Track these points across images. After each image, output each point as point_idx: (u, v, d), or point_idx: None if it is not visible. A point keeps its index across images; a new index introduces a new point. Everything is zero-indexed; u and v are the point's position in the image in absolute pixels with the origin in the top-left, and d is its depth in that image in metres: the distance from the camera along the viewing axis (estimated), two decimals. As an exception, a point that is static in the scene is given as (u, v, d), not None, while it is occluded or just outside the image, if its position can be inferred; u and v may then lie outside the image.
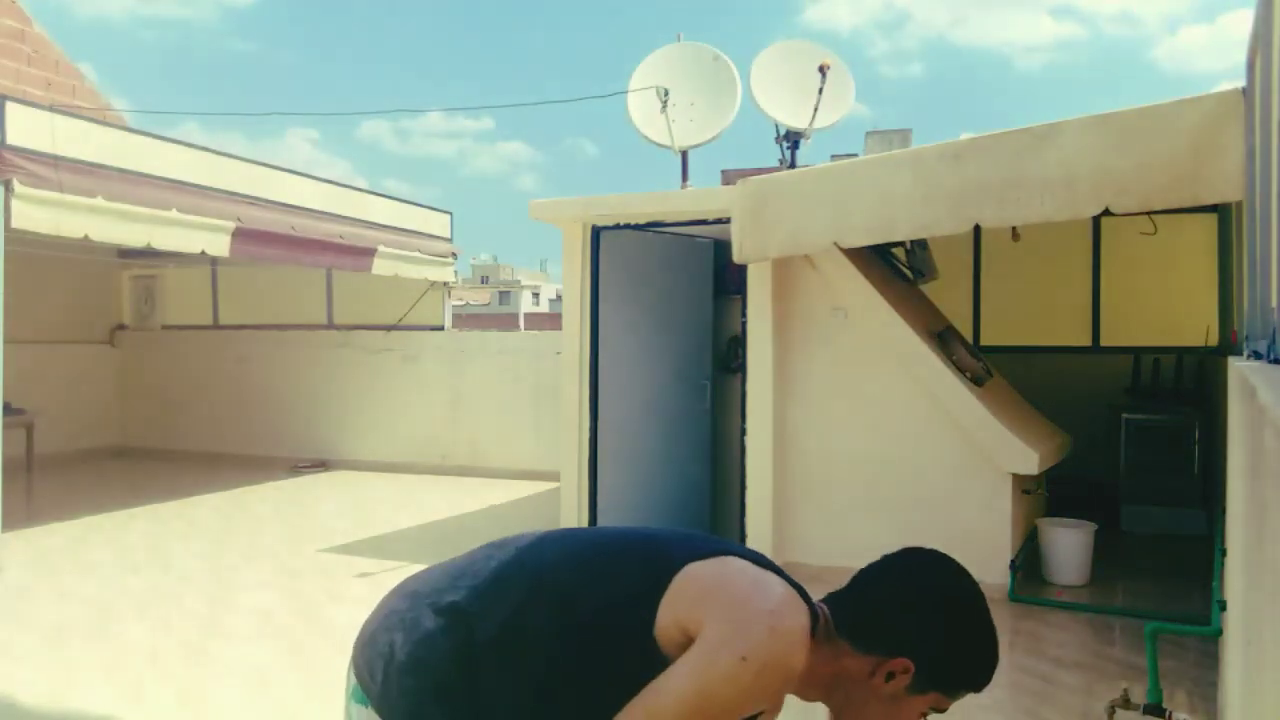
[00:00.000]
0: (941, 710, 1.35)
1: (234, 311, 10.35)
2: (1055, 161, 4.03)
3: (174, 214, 6.14)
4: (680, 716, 1.18)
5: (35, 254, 7.21)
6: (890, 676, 1.30)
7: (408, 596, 1.39)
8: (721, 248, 5.89)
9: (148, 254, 8.46)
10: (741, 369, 5.60)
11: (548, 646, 1.27)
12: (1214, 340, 6.85)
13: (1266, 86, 2.30)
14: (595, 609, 1.28)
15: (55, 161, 5.38)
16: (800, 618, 1.25)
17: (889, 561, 1.40)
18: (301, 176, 7.69)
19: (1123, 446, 6.44)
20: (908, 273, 5.86)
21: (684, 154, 6.10)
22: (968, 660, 1.35)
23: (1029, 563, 5.19)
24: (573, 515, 5.79)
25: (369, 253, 8.13)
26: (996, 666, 1.37)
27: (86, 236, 5.61)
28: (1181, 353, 7.02)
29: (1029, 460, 4.81)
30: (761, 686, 1.20)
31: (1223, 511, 4.08)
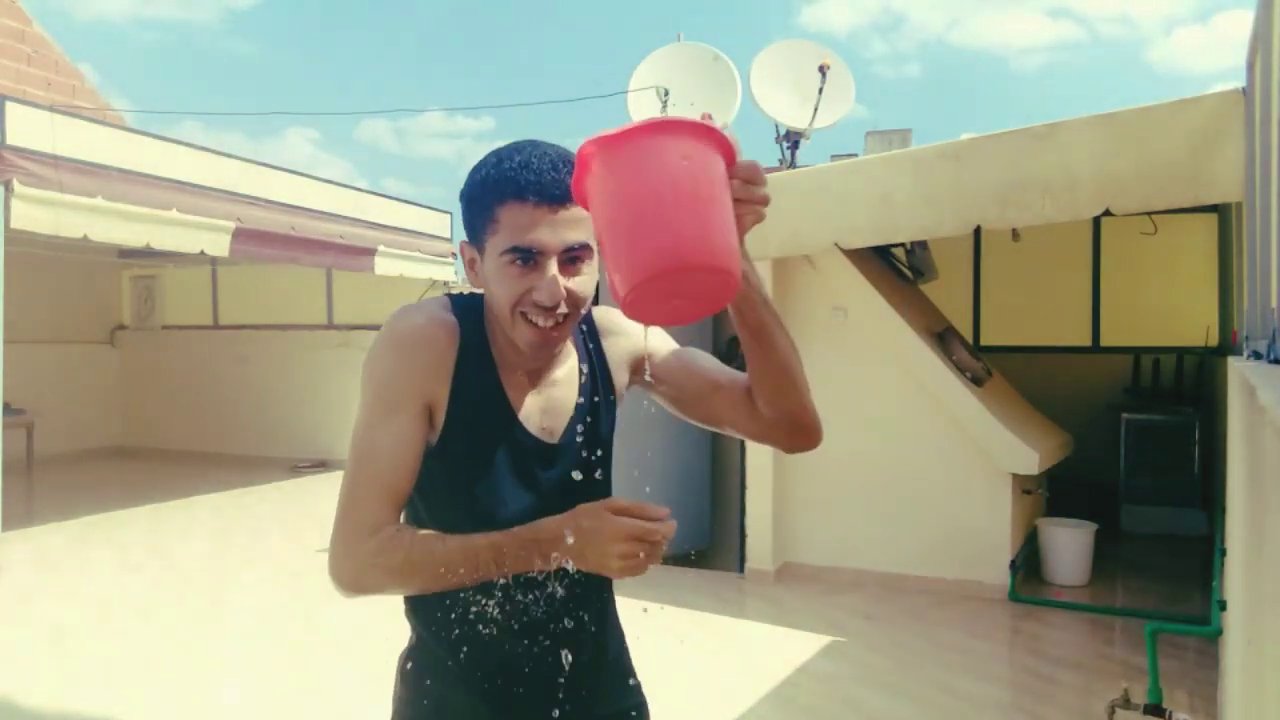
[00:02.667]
0: (519, 253, 1.11)
1: (234, 311, 10.34)
2: (1055, 162, 4.03)
3: (174, 214, 6.14)
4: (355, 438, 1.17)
5: (35, 254, 7.22)
6: (469, 265, 1.21)
7: None
8: (721, 248, 5.87)
9: (148, 254, 8.46)
10: (742, 369, 5.60)
11: None
12: (1214, 340, 6.85)
13: (1266, 86, 2.30)
14: None
15: (55, 161, 5.38)
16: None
17: None
18: (301, 176, 7.69)
19: (1123, 446, 6.44)
20: (908, 273, 5.86)
21: (684, 154, 6.10)
22: (470, 177, 1.17)
23: (1029, 563, 5.20)
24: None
25: (369, 252, 8.13)
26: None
27: (86, 236, 5.61)
28: (1181, 353, 7.03)
29: (1029, 460, 4.81)
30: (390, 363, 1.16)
31: (1223, 511, 4.09)
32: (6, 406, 5.88)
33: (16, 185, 5.12)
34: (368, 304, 9.60)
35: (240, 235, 6.68)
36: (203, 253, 6.60)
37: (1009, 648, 4.30)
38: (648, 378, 1.30)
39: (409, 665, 1.28)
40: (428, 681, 1.24)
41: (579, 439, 1.23)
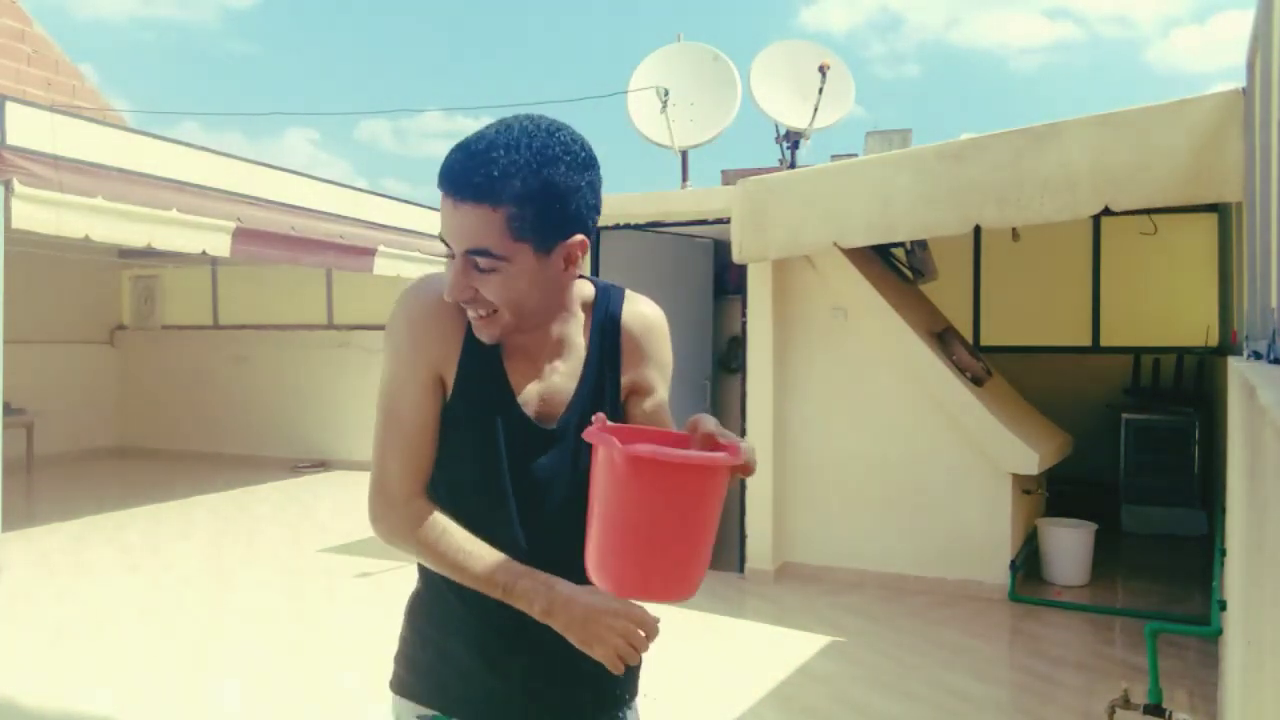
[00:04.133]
0: (443, 244, 1.13)
1: (234, 311, 10.34)
2: (1055, 161, 4.03)
3: (174, 214, 6.13)
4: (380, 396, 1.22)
5: (35, 254, 7.22)
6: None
7: None
8: (721, 248, 5.89)
9: (148, 254, 8.46)
10: (741, 369, 5.60)
11: None
12: (1214, 340, 6.85)
13: (1266, 86, 2.30)
14: None
15: (55, 161, 5.37)
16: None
17: None
18: (301, 176, 7.68)
19: (1123, 446, 6.44)
20: (908, 273, 5.86)
21: (684, 154, 6.11)
22: None
23: (1029, 563, 5.20)
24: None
25: (369, 252, 8.12)
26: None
27: (87, 236, 5.61)
28: (1181, 353, 7.03)
29: (1029, 460, 4.81)
30: (406, 330, 1.20)
31: (1223, 511, 4.09)
32: (6, 406, 5.88)
33: (16, 185, 5.12)
34: (368, 304, 9.59)
35: (240, 235, 6.67)
36: (203, 253, 6.59)
37: (1009, 648, 4.30)
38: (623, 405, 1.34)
39: (417, 609, 1.31)
40: (431, 630, 1.28)
41: (574, 427, 1.23)
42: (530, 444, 1.22)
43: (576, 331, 1.27)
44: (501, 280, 1.11)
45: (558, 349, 1.25)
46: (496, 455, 1.21)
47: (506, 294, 1.13)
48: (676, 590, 1.05)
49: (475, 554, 1.15)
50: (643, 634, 1.11)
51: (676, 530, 1.02)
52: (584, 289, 1.29)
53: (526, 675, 1.24)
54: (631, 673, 1.36)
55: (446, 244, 1.12)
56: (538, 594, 1.13)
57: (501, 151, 1.06)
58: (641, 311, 1.33)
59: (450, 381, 1.20)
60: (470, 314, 1.15)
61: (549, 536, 1.22)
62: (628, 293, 1.34)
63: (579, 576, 1.13)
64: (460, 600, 1.22)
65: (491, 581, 1.14)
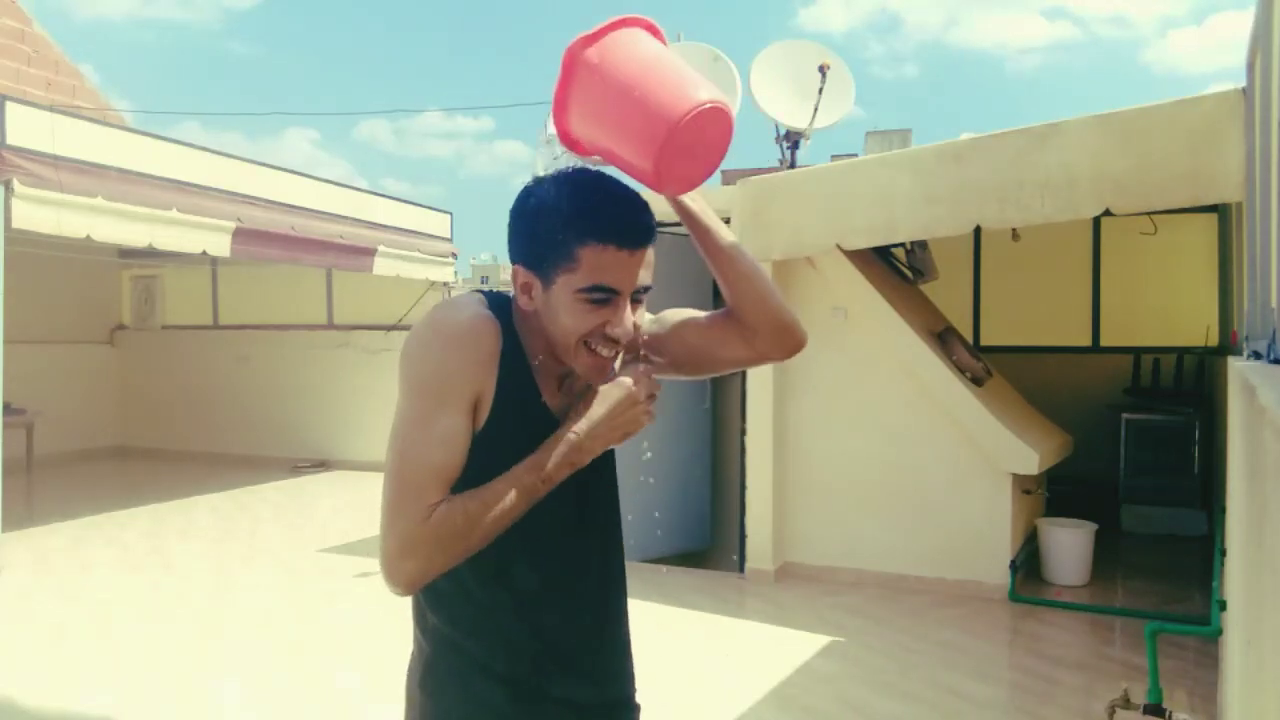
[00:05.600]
0: (600, 292, 1.14)
1: (234, 311, 10.34)
2: (1055, 162, 4.03)
3: (175, 214, 6.14)
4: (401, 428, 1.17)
5: (36, 254, 7.22)
6: (524, 289, 1.21)
7: None
8: (721, 248, 5.87)
9: (148, 254, 8.46)
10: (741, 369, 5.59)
11: None
12: (1214, 340, 6.85)
13: (1266, 86, 2.30)
14: None
15: (55, 161, 5.38)
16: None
17: None
18: (301, 176, 7.69)
19: (1123, 446, 6.44)
20: (908, 273, 5.86)
21: (684, 154, 6.09)
22: (538, 206, 1.18)
23: (1029, 563, 5.20)
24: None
25: (369, 253, 8.12)
26: (607, 200, 1.16)
27: (88, 236, 5.62)
28: (1181, 353, 7.03)
29: (1029, 460, 4.81)
30: (436, 355, 1.17)
31: (1223, 511, 4.09)
32: (6, 406, 5.88)
33: (17, 185, 5.12)
34: (368, 304, 9.59)
35: (240, 235, 6.68)
36: (203, 253, 6.60)
37: (1009, 648, 4.30)
38: (649, 357, 1.33)
39: (431, 676, 1.25)
40: (454, 691, 1.23)
41: (600, 460, 1.27)
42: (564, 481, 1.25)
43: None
44: (642, 310, 1.23)
45: (576, 391, 1.29)
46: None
47: (640, 322, 1.23)
48: (703, 90, 1.14)
49: (496, 482, 1.13)
50: (641, 395, 1.19)
51: (641, 69, 1.16)
52: None
53: (566, 700, 1.26)
54: (629, 679, 1.38)
55: (606, 290, 1.15)
56: (569, 449, 1.16)
57: (642, 203, 1.19)
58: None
59: (488, 404, 1.17)
60: (606, 353, 1.19)
61: (581, 546, 1.27)
62: None
63: (606, 583, 1.27)
64: (478, 642, 1.22)
65: (522, 481, 1.14)
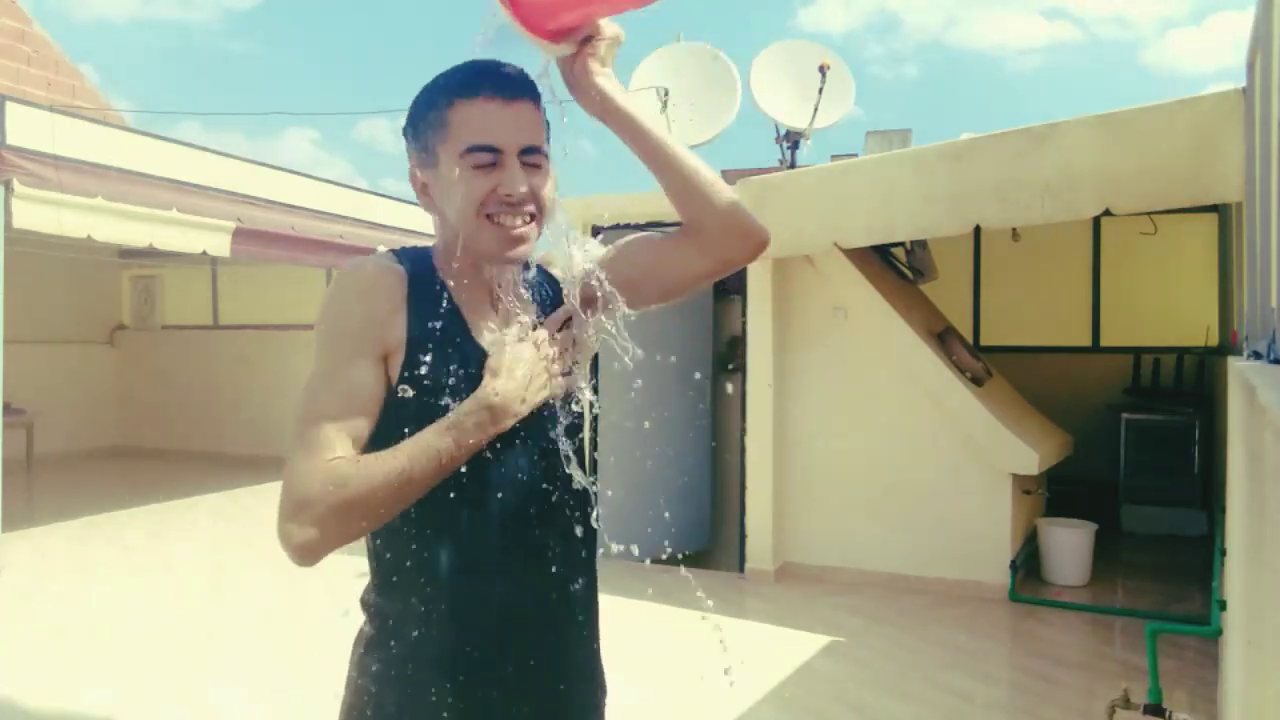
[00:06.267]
0: (480, 152, 1.09)
1: (234, 311, 10.34)
2: (1055, 162, 4.03)
3: (175, 214, 6.14)
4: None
5: (36, 254, 7.22)
6: (422, 190, 1.17)
7: None
8: (721, 248, 5.87)
9: (148, 254, 8.47)
10: (741, 369, 5.60)
11: None
12: (1214, 340, 6.85)
13: (1266, 86, 2.30)
14: None
15: (56, 161, 5.38)
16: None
17: None
18: (301, 176, 7.69)
19: (1123, 446, 6.44)
20: (908, 273, 5.86)
21: (684, 154, 6.09)
22: (416, 98, 1.14)
23: (1029, 563, 5.20)
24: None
25: (369, 253, 8.13)
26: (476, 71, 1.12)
27: (89, 236, 5.62)
28: (1181, 353, 7.02)
29: (1029, 460, 4.81)
30: (338, 311, 1.13)
31: (1223, 511, 4.09)
32: (6, 406, 5.88)
33: (17, 185, 5.12)
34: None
35: (240, 235, 6.68)
36: (203, 253, 6.60)
37: (1009, 648, 4.30)
38: (606, 287, 1.22)
39: (370, 652, 1.22)
40: (393, 672, 1.18)
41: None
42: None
43: (519, 282, 1.22)
44: (544, 179, 1.14)
45: (514, 298, 1.19)
46: None
47: (550, 196, 1.14)
48: None
49: (405, 443, 1.04)
50: (545, 350, 1.12)
51: None
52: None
53: (508, 701, 1.16)
54: (598, 673, 1.30)
55: (484, 149, 1.09)
56: (482, 410, 1.06)
57: (512, 66, 1.13)
58: (546, 254, 1.31)
59: (400, 356, 1.11)
60: (509, 222, 1.11)
61: (523, 507, 1.15)
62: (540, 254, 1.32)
63: (560, 552, 1.16)
64: (428, 625, 1.13)
65: (444, 452, 1.04)
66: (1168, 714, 2.95)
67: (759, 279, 5.37)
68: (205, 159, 6.66)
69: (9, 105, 5.25)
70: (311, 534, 1.05)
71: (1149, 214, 6.20)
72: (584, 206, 5.84)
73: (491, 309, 1.19)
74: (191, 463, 9.74)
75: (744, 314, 5.51)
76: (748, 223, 1.26)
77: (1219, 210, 6.51)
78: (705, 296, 6.41)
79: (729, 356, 6.41)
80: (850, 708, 3.48)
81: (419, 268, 1.16)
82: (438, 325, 1.12)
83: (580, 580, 1.22)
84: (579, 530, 1.22)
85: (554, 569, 1.18)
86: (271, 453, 9.67)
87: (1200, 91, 3.85)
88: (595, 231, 5.81)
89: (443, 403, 1.09)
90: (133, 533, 6.45)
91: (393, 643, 1.17)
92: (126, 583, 5.22)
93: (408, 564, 1.15)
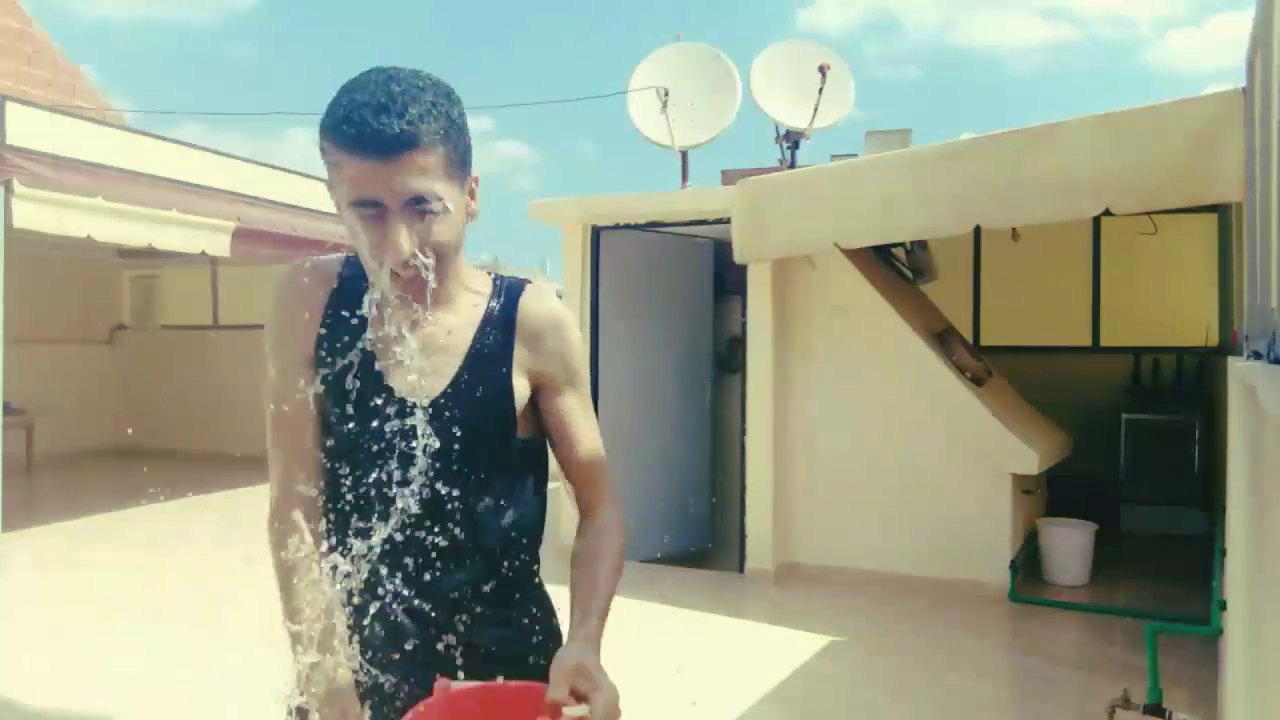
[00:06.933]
0: (364, 206, 1.06)
1: (234, 311, 10.34)
2: (1055, 162, 4.03)
3: (174, 214, 6.14)
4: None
5: (36, 254, 7.22)
6: (337, 207, 1.13)
7: None
8: (721, 248, 5.89)
9: (148, 254, 8.45)
10: (741, 369, 5.60)
11: None
12: (1214, 340, 6.85)
13: (1266, 86, 2.30)
14: None
15: (56, 161, 5.38)
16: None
17: None
18: (301, 176, 7.69)
19: (1123, 446, 6.44)
20: (908, 273, 5.86)
21: (684, 154, 6.11)
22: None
23: (1029, 563, 5.20)
24: (570, 514, 5.79)
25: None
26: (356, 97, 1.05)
27: (88, 236, 5.62)
28: (1181, 353, 7.03)
29: (1029, 460, 4.81)
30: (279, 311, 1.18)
31: (1223, 511, 4.09)
32: (6, 406, 5.88)
33: (17, 185, 5.12)
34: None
35: (240, 235, 6.68)
36: (203, 253, 6.60)
37: (1009, 648, 4.30)
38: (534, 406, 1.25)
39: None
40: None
41: (452, 405, 1.16)
42: (398, 419, 1.13)
43: (467, 310, 1.20)
44: (443, 223, 1.08)
45: (443, 324, 1.17)
46: (360, 433, 1.14)
47: (450, 237, 1.10)
48: None
49: (311, 600, 1.17)
50: None
51: None
52: (479, 278, 1.24)
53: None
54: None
55: (367, 203, 1.05)
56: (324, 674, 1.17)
57: (410, 97, 1.04)
58: (545, 305, 1.25)
59: (315, 358, 1.16)
60: (404, 272, 1.07)
61: (413, 516, 1.14)
62: (530, 284, 1.26)
63: (455, 560, 1.16)
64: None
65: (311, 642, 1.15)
66: (1168, 714, 2.95)
67: (759, 279, 5.37)
68: (205, 159, 6.66)
69: (9, 105, 5.25)
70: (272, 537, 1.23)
71: (1149, 214, 6.20)
72: (584, 206, 5.84)
73: (403, 325, 1.17)
74: (191, 463, 9.74)
75: (744, 314, 5.51)
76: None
77: (1219, 210, 6.51)
78: (705, 296, 6.41)
79: (729, 356, 6.41)
80: (850, 708, 3.48)
81: (356, 266, 1.18)
82: (348, 334, 1.14)
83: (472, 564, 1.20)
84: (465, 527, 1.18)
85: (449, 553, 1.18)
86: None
87: (1200, 92, 3.85)
88: (595, 232, 5.81)
89: (337, 409, 1.15)
90: (133, 533, 6.45)
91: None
92: (126, 583, 5.21)
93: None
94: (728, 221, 5.13)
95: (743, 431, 5.49)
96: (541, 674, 1.08)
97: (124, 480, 8.89)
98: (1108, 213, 4.03)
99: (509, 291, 1.24)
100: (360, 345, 1.14)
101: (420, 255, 1.07)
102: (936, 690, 3.66)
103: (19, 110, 5.35)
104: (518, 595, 1.25)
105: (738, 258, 5.07)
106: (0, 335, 5.01)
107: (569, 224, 5.90)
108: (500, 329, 1.21)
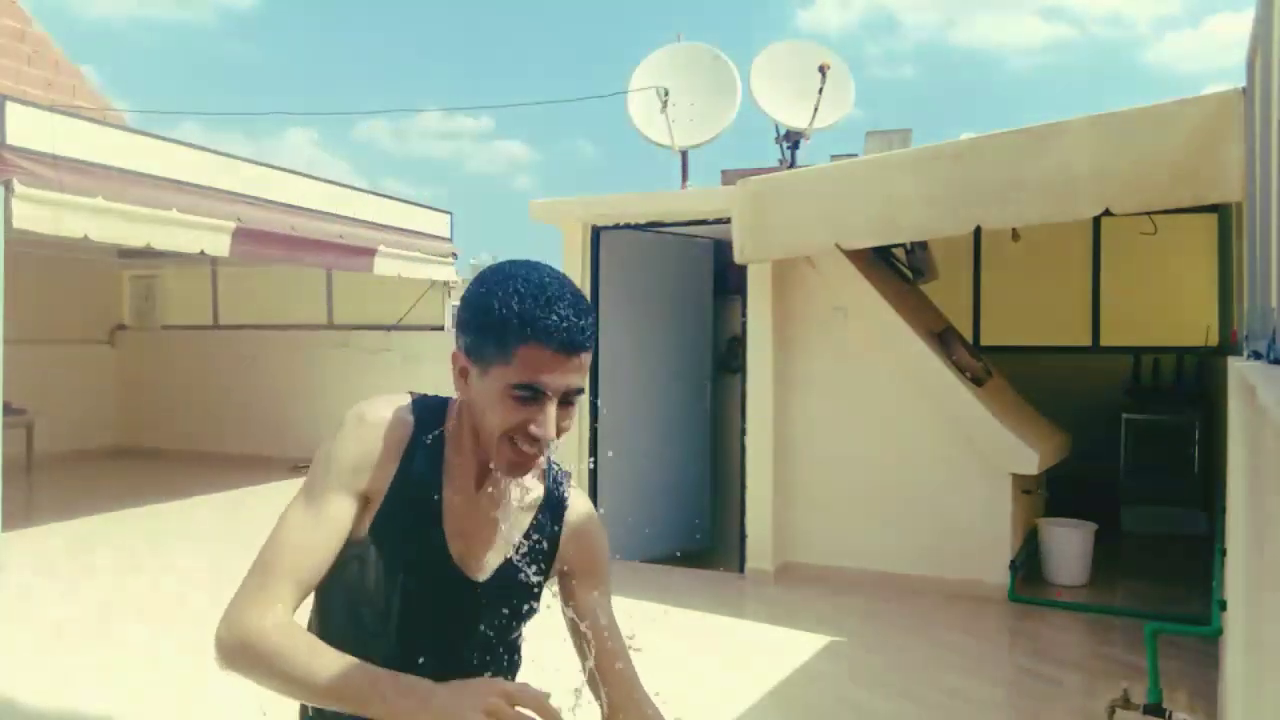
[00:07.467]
0: (529, 390, 1.13)
1: (234, 311, 10.34)
2: (1056, 162, 4.03)
3: (174, 214, 6.13)
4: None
5: (36, 254, 7.22)
6: (461, 374, 1.20)
7: None
8: (721, 248, 5.88)
9: (148, 254, 8.45)
10: (741, 369, 5.60)
11: None
12: (1214, 340, 6.85)
13: (1266, 86, 2.30)
14: None
15: (55, 161, 5.37)
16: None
17: None
18: (301, 176, 7.68)
19: (1123, 446, 6.44)
20: (908, 273, 5.86)
21: (684, 154, 6.10)
22: (484, 301, 1.14)
23: (1029, 563, 5.19)
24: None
25: (369, 252, 8.12)
26: (543, 298, 1.12)
27: (87, 236, 5.61)
28: (1181, 353, 7.02)
29: (1029, 460, 4.81)
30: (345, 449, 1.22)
31: (1223, 511, 4.08)
32: (6, 406, 5.87)
33: (17, 185, 5.12)
34: (368, 304, 9.59)
35: (240, 235, 6.67)
36: (203, 253, 6.60)
37: (1009, 648, 4.30)
38: (566, 606, 1.33)
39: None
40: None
41: (501, 583, 1.26)
42: (452, 587, 1.23)
43: (525, 491, 1.28)
44: (573, 415, 1.19)
45: (498, 500, 1.24)
46: (415, 594, 1.21)
47: (573, 426, 1.20)
48: None
49: (335, 657, 1.11)
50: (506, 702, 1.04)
51: None
52: None
53: None
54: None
55: (535, 389, 1.13)
56: (408, 695, 1.06)
57: (585, 302, 1.16)
58: (588, 505, 1.37)
59: (377, 504, 1.20)
60: (528, 449, 1.16)
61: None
62: (572, 480, 1.37)
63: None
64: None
65: (360, 693, 1.07)
66: (1168, 714, 2.95)
67: (759, 279, 5.37)
68: (205, 159, 6.65)
69: (9, 105, 5.25)
70: (225, 657, 1.19)
71: (1149, 214, 6.20)
72: (584, 206, 5.84)
73: (477, 474, 1.25)
74: (191, 463, 9.74)
75: (744, 314, 5.51)
76: None
77: (1219, 210, 6.51)
78: (705, 296, 6.41)
79: (729, 356, 6.41)
80: (850, 708, 3.48)
81: (428, 420, 1.24)
82: (419, 493, 1.21)
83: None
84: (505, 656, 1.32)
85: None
86: (271, 453, 9.67)
87: (1199, 92, 3.85)
88: (595, 232, 5.81)
89: (391, 565, 1.20)
90: (133, 533, 6.45)
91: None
92: (126, 583, 5.21)
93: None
94: (728, 221, 5.13)
95: (743, 431, 5.49)
96: None
97: (124, 480, 8.89)
98: (1108, 213, 4.03)
99: (554, 479, 1.34)
100: (434, 499, 1.22)
101: (546, 442, 1.16)
102: (936, 690, 3.65)
103: (19, 110, 5.35)
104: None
105: (738, 258, 5.07)
106: (0, 335, 5.01)
107: (569, 224, 5.90)
108: (550, 518, 1.32)
